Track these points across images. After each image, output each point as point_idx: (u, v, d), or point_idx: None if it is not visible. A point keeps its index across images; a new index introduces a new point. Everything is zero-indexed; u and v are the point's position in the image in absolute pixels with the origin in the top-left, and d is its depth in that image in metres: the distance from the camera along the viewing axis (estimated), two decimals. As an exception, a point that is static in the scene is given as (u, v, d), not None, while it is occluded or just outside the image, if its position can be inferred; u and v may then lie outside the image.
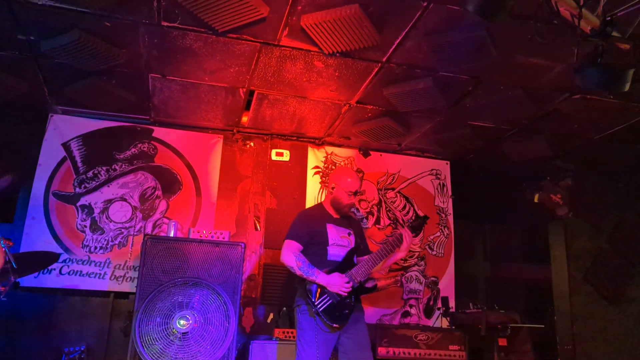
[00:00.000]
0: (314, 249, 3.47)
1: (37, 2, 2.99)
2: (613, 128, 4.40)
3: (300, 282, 3.43)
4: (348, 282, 3.35)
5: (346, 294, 3.34)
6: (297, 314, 3.43)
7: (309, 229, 3.51)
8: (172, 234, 4.12)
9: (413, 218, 5.26)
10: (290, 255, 3.39)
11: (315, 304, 3.29)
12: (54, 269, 4.26)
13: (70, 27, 3.28)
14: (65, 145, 4.56)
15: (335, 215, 3.66)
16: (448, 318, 4.65)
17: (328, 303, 3.32)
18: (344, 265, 3.47)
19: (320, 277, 3.32)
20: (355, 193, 3.65)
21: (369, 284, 3.58)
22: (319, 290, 3.34)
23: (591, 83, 2.58)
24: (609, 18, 2.39)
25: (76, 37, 3.31)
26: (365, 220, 5.10)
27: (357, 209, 5.05)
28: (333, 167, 5.14)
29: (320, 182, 5.11)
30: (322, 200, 3.82)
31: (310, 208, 3.88)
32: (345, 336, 3.36)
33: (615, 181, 5.36)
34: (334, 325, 3.29)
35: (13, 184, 4.45)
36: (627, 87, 2.54)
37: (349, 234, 3.63)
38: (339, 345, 3.37)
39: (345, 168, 3.88)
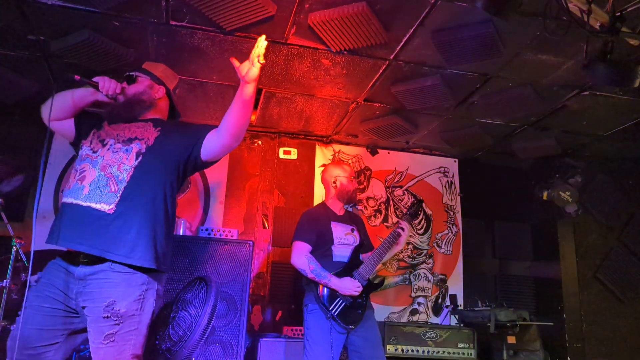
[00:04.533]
0: (320, 250, 3.47)
1: (47, 2, 3.01)
2: (623, 125, 4.38)
3: (308, 285, 3.43)
4: (359, 286, 3.36)
5: (358, 294, 3.35)
6: (305, 314, 3.43)
7: (316, 229, 3.51)
8: (181, 232, 4.14)
9: (422, 217, 5.25)
10: (302, 258, 3.38)
11: (330, 309, 3.30)
12: (65, 267, 4.29)
13: (80, 26, 3.30)
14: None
15: (339, 213, 3.68)
16: (456, 316, 4.64)
17: (342, 306, 3.33)
18: (350, 265, 3.47)
19: (332, 281, 3.33)
20: (356, 178, 3.74)
21: (377, 280, 3.59)
22: (330, 294, 3.35)
23: (600, 79, 2.56)
24: (619, 14, 2.38)
25: (85, 36, 3.34)
26: (373, 217, 5.10)
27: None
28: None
29: (328, 180, 5.12)
30: (324, 200, 3.81)
31: (313, 208, 3.88)
32: (356, 335, 3.36)
33: (625, 178, 5.33)
34: (349, 327, 3.30)
35: (23, 183, 4.49)
36: (636, 83, 2.52)
37: (353, 230, 3.63)
38: (349, 345, 3.38)
39: (333, 161, 3.99)
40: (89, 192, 2.17)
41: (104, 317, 2.06)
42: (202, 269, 3.82)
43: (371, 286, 3.50)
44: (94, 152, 2.29)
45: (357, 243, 3.60)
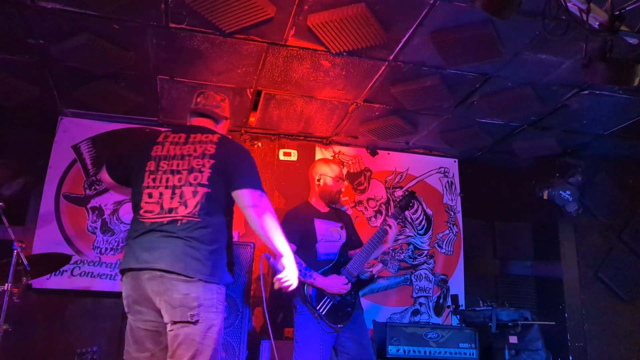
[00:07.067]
0: (305, 249, 3.40)
1: (47, 6, 3.02)
2: (622, 124, 4.38)
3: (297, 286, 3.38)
4: (347, 283, 3.32)
5: (346, 292, 3.32)
6: (294, 316, 3.37)
7: (298, 228, 3.43)
8: (182, 235, 4.13)
9: (423, 218, 5.25)
10: None
11: (317, 308, 3.25)
12: (66, 271, 4.30)
13: (80, 30, 3.31)
14: (75, 148, 4.60)
15: (323, 210, 3.61)
16: (458, 316, 4.63)
17: (329, 305, 3.28)
18: (339, 263, 3.41)
19: (318, 280, 3.27)
20: (342, 178, 3.66)
21: (365, 276, 3.54)
22: (317, 293, 3.30)
23: (600, 78, 2.56)
24: (618, 13, 2.38)
25: (85, 40, 3.34)
26: (373, 218, 5.10)
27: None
28: (341, 167, 5.14)
29: (328, 182, 5.12)
30: (308, 198, 3.74)
31: (296, 207, 3.75)
32: (346, 336, 3.30)
33: (625, 177, 5.32)
34: (338, 326, 3.25)
35: (24, 187, 4.49)
36: (636, 82, 2.52)
37: (341, 227, 3.56)
38: (338, 346, 3.32)
39: (323, 158, 3.83)
40: None
41: None
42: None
43: (360, 283, 3.45)
44: None
45: (344, 240, 3.54)
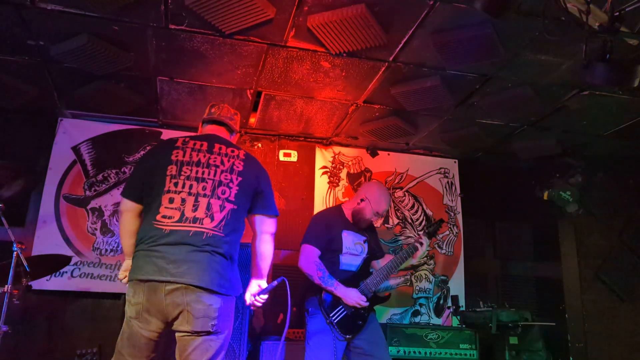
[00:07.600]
0: (327, 257, 3.42)
1: (46, 7, 3.01)
2: (622, 124, 4.38)
3: (312, 289, 3.38)
4: (365, 301, 3.32)
5: (361, 307, 3.33)
6: (307, 318, 3.40)
7: (327, 235, 3.44)
8: (182, 236, 4.12)
9: (423, 219, 5.25)
10: (311, 264, 3.33)
11: (330, 315, 3.27)
12: (66, 272, 4.29)
13: (79, 31, 3.31)
14: (75, 149, 4.59)
15: (352, 220, 3.62)
16: (458, 317, 4.64)
17: (343, 315, 3.29)
18: (358, 275, 3.43)
19: (338, 289, 3.28)
20: (381, 215, 3.63)
21: (381, 294, 3.53)
22: (333, 300, 3.31)
23: (600, 79, 2.56)
24: (617, 14, 2.38)
25: (85, 41, 3.34)
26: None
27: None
28: (341, 167, 5.14)
29: (328, 182, 5.12)
30: (343, 203, 3.72)
31: (327, 210, 3.74)
32: (360, 338, 3.34)
33: (625, 177, 5.32)
34: (347, 336, 3.27)
35: (24, 188, 4.49)
36: (636, 83, 2.53)
37: (365, 242, 3.56)
38: (353, 348, 3.35)
39: (382, 186, 3.67)
40: None
41: None
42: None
43: (376, 299, 3.45)
44: None
45: (366, 255, 3.54)
